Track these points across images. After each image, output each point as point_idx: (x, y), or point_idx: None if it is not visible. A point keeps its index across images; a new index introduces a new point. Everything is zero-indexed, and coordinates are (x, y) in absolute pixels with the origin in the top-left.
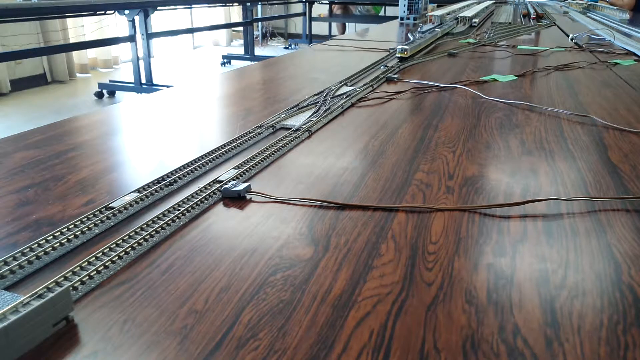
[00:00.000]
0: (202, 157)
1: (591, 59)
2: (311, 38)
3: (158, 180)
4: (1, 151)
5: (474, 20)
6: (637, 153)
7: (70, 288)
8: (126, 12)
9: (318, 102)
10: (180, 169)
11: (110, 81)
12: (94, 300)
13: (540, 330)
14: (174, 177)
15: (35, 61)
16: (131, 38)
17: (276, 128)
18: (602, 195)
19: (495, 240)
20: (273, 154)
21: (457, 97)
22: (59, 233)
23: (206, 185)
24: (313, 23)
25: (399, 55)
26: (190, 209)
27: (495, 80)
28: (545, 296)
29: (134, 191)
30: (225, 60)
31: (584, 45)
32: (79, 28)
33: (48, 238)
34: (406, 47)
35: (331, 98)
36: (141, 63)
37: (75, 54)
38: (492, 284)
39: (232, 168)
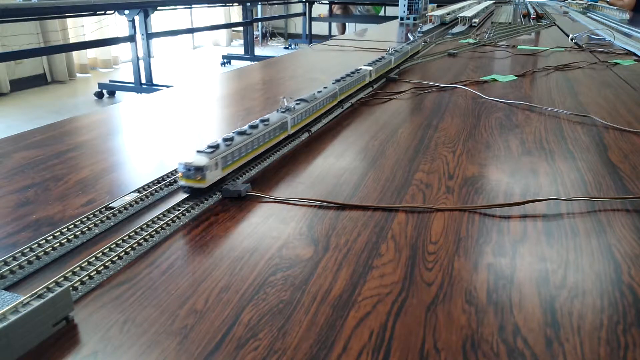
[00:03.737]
0: None
1: (591, 59)
2: (311, 38)
3: (158, 180)
4: (1, 151)
5: (474, 20)
6: (637, 153)
7: (70, 288)
8: (126, 12)
9: None
10: None
11: (110, 81)
12: (94, 300)
13: (540, 330)
14: (174, 177)
15: (35, 61)
16: (131, 38)
17: None
18: (602, 195)
19: (495, 240)
20: (273, 154)
21: (457, 97)
22: (59, 233)
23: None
24: (313, 23)
25: (186, 182)
26: (190, 209)
27: (495, 80)
28: (545, 296)
29: (134, 191)
30: (225, 60)
31: (584, 45)
32: (79, 28)
33: (48, 238)
34: (203, 161)
35: None
36: (141, 63)
37: (75, 54)
38: (492, 284)
39: None
